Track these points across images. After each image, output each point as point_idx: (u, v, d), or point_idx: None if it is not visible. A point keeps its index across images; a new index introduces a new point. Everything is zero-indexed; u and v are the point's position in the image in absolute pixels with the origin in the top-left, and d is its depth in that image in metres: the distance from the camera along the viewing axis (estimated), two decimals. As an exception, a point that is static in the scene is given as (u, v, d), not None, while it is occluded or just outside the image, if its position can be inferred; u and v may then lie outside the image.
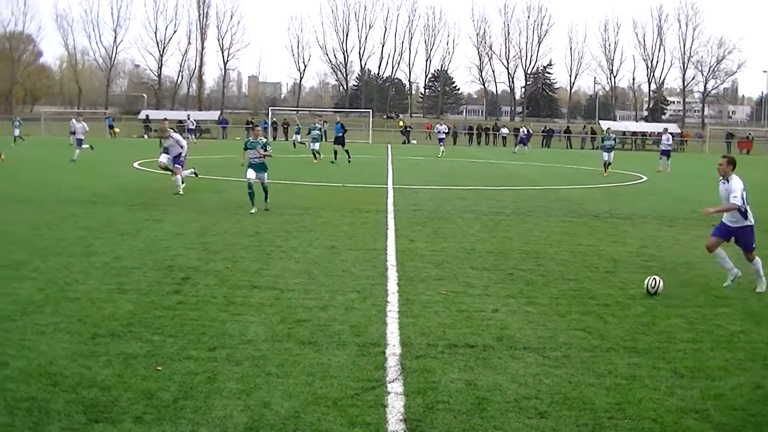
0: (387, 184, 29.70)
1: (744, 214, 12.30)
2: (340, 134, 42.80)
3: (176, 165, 24.50)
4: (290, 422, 6.67)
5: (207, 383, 7.53)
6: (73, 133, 42.67)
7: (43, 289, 11.23)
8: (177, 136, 25.38)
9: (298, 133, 60.83)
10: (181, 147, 24.77)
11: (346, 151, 42.50)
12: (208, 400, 7.09)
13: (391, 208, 22.12)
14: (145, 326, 9.47)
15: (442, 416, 6.90)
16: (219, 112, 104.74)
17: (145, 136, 77.88)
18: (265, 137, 22.26)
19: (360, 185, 29.30)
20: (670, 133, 47.51)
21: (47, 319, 9.69)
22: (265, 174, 21.01)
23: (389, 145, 67.71)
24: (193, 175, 26.49)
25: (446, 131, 58.61)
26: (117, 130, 78.36)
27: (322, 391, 7.39)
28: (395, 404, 7.12)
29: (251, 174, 20.66)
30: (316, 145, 43.13)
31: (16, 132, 56.88)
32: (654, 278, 11.94)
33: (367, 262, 13.96)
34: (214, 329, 9.41)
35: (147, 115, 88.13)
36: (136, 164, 36.51)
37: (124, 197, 23.25)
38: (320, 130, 44.19)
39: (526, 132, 69.55)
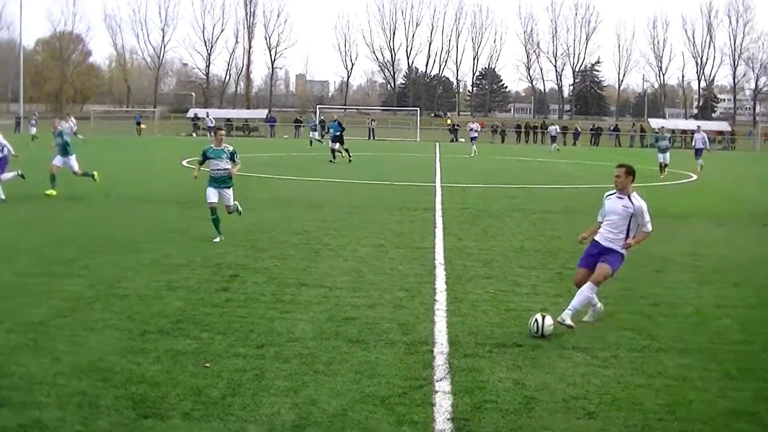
0: (435, 183, 29.66)
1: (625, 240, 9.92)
2: (338, 133, 41.05)
3: None
4: (338, 420, 6.67)
5: (255, 380, 7.56)
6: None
7: (93, 286, 11.36)
8: None
9: (314, 130, 60.29)
10: (1, 150, 22.17)
11: (346, 150, 41.28)
12: (255, 398, 7.11)
13: (439, 206, 22.09)
14: (194, 323, 9.54)
15: (489, 415, 6.86)
16: (267, 111, 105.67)
17: (194, 134, 78.68)
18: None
19: (408, 183, 29.31)
20: (704, 131, 46.59)
21: (97, 315, 9.80)
22: (231, 191, 16.43)
23: (437, 144, 67.53)
24: (21, 177, 22.91)
25: (478, 129, 56.89)
26: (143, 126, 78.65)
27: (369, 390, 7.38)
28: (443, 403, 7.10)
29: (213, 196, 16.08)
30: (328, 142, 42.94)
31: (33, 130, 56.58)
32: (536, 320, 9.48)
33: (416, 261, 13.95)
34: (263, 327, 9.45)
35: (195, 114, 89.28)
36: (184, 162, 36.80)
37: (173, 195, 23.48)
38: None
39: (556, 130, 69.02)
